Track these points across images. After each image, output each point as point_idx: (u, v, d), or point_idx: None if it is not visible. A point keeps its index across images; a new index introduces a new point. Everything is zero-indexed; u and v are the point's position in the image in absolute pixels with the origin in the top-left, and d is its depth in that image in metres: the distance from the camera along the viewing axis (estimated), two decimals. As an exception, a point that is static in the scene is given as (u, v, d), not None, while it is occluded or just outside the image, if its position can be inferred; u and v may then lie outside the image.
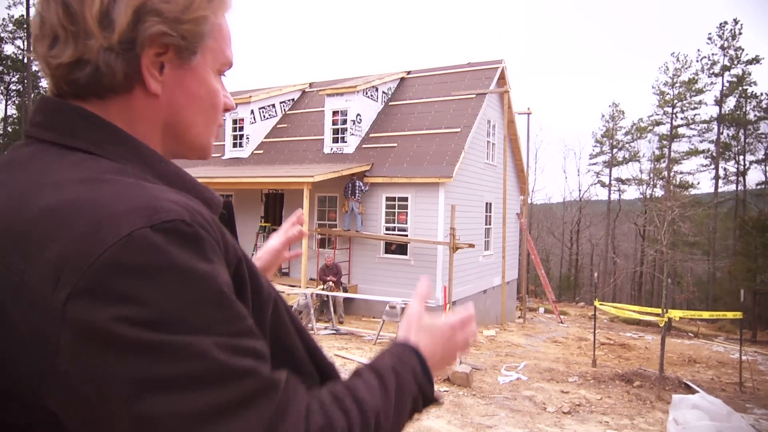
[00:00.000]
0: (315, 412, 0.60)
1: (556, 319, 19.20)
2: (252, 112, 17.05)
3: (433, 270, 13.25)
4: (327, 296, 11.30)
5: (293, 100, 18.61)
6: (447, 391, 6.39)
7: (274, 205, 15.85)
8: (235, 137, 17.32)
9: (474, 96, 14.97)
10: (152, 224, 0.53)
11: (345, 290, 11.73)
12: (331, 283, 11.57)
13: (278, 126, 17.76)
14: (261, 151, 16.93)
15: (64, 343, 0.50)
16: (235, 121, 17.27)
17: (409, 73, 17.41)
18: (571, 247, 40.03)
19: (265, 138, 17.43)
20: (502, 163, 16.63)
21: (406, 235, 13.52)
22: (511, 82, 16.63)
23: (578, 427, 5.72)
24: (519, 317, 17.88)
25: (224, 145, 17.71)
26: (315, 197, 14.66)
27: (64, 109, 0.65)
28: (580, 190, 42.99)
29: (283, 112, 18.17)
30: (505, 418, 5.71)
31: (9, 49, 34.05)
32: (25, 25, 32.47)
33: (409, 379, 0.73)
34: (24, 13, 31.40)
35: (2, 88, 36.65)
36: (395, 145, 14.58)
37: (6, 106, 37.93)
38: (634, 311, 8.76)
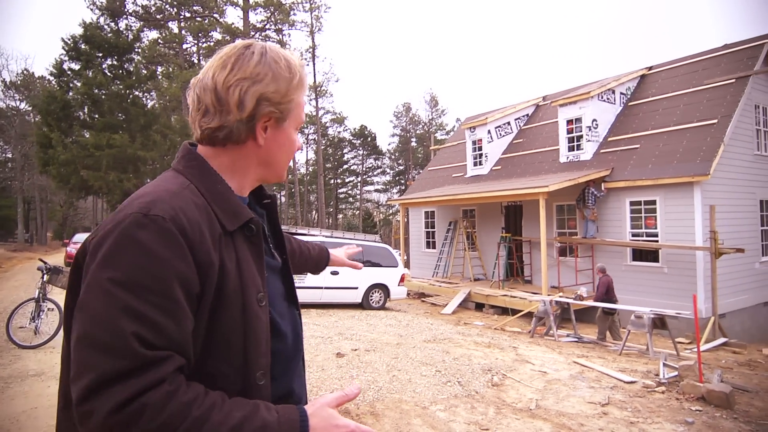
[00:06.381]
0: (164, 398, 0.75)
1: None
2: (489, 132, 17.17)
3: (692, 278, 11.21)
4: (567, 304, 10.49)
5: (527, 115, 18.11)
6: (700, 411, 5.23)
7: (514, 217, 15.58)
8: (475, 157, 17.64)
9: (734, 81, 12.29)
10: (144, 213, 0.83)
11: (608, 312, 9.88)
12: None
13: (514, 142, 17.47)
14: (499, 167, 16.86)
15: (89, 251, 0.85)
16: (474, 143, 17.61)
17: (650, 69, 15.26)
18: None
19: (502, 154, 17.32)
20: (780, 153, 13.20)
21: (657, 241, 11.75)
22: (787, 57, 13.11)
23: None
24: (823, 336, 13.69)
25: (466, 165, 18.21)
26: (553, 206, 13.91)
27: (186, 150, 1.02)
28: None
29: (519, 128, 17.82)
30: (782, 453, 4.39)
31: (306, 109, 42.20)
32: (316, 91, 39.32)
33: None
34: (313, 80, 38.26)
35: (304, 138, 45.23)
36: (638, 146, 12.89)
37: (306, 151, 46.75)
38: None
